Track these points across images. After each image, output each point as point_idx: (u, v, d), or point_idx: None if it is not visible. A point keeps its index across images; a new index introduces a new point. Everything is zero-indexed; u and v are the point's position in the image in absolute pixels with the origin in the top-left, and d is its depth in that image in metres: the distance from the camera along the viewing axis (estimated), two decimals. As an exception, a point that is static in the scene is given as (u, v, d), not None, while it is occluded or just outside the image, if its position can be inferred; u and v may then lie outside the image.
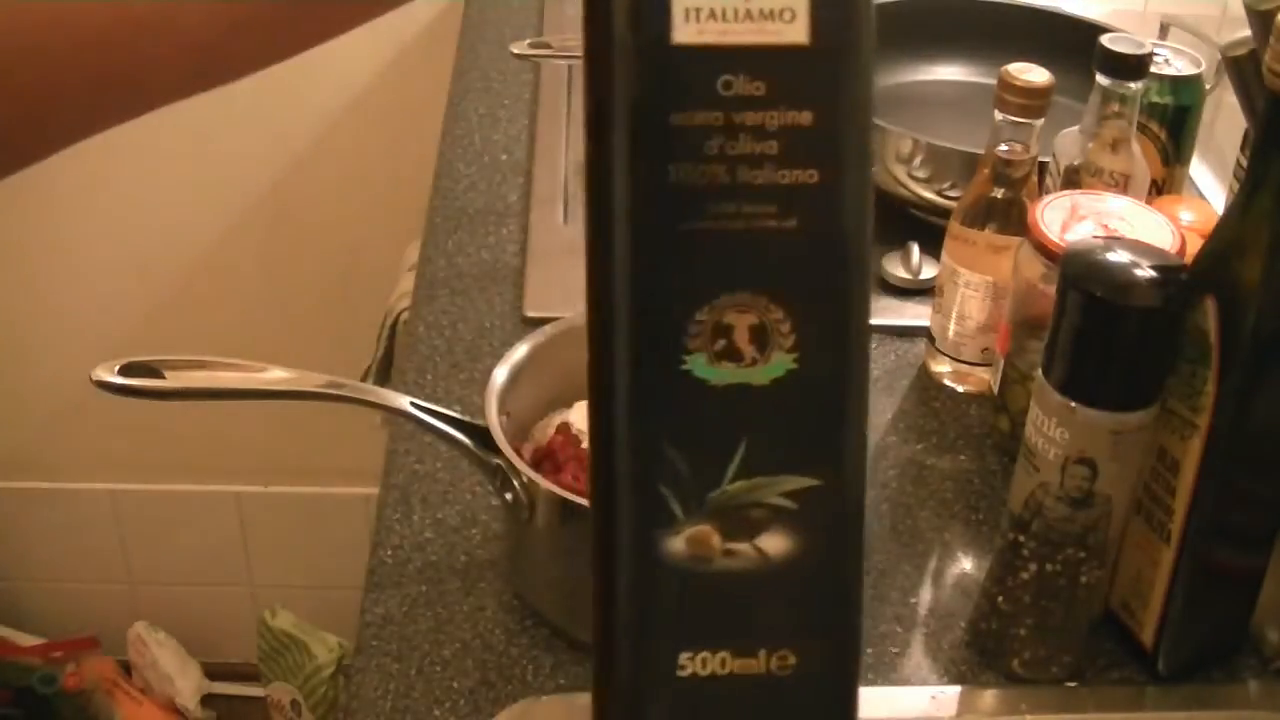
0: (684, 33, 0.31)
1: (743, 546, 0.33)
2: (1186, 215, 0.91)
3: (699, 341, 0.32)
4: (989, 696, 0.74)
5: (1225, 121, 1.11)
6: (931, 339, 0.95)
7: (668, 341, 0.32)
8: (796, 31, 0.31)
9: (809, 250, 0.32)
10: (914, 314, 1.00)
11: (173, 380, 0.70)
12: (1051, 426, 0.68)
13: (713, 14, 0.31)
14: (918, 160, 1.05)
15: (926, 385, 0.95)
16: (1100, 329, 0.66)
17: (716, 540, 0.33)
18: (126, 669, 1.84)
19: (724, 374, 0.32)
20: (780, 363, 0.32)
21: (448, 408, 0.74)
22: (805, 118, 0.31)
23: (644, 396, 0.32)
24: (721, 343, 0.32)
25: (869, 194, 0.33)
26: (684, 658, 0.33)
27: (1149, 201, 0.89)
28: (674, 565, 0.32)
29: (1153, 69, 0.92)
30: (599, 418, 0.33)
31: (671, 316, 0.32)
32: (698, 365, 0.32)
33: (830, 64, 0.31)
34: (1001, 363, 0.88)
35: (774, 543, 0.33)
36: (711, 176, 0.31)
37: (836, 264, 0.32)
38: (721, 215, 0.31)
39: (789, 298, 0.32)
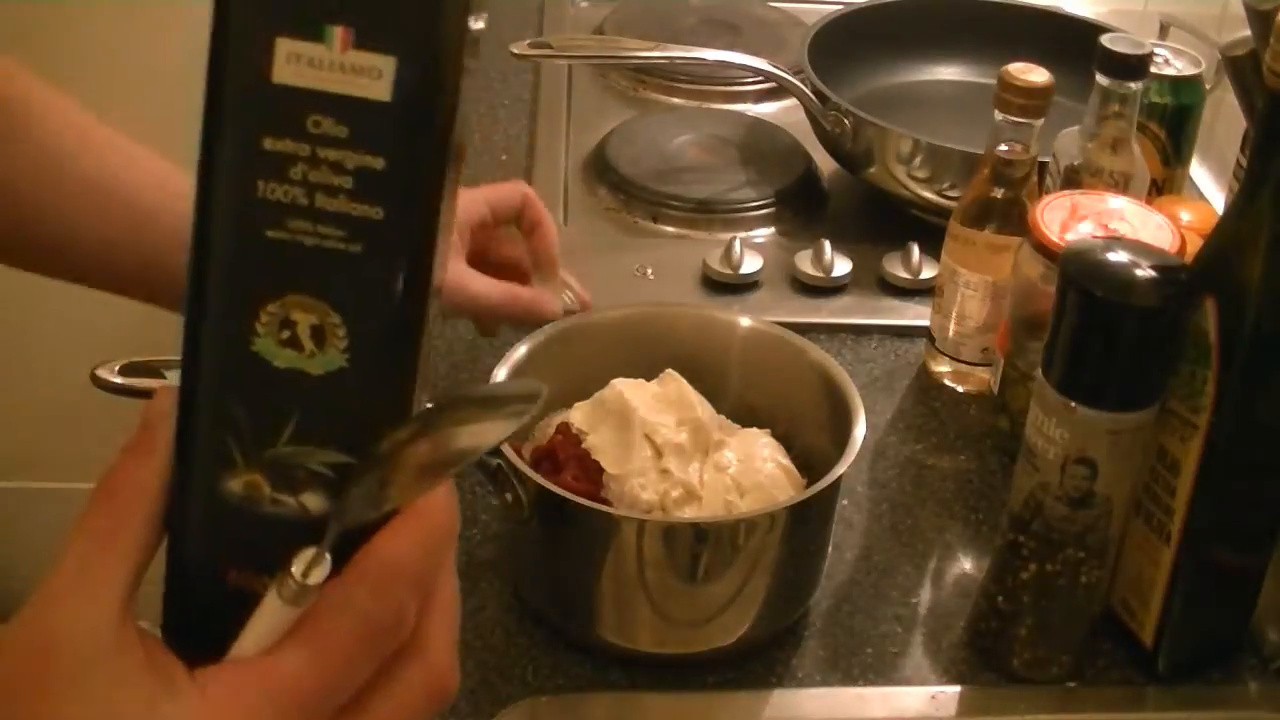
0: (284, 74, 0.37)
1: (287, 499, 0.40)
2: (1186, 215, 0.91)
3: (268, 328, 0.39)
4: (989, 696, 0.74)
5: (1225, 121, 1.11)
6: (931, 339, 0.95)
7: (243, 323, 0.39)
8: (380, 89, 0.37)
9: (369, 274, 0.38)
10: (914, 314, 1.00)
11: (173, 380, 0.70)
12: (1051, 426, 0.68)
13: (311, 62, 0.37)
14: (918, 160, 1.05)
15: (926, 385, 0.95)
16: (1100, 329, 0.66)
17: (266, 489, 0.40)
18: (126, 669, 1.84)
19: (286, 358, 0.39)
20: (334, 359, 0.39)
21: (448, 408, 0.74)
22: (378, 162, 0.37)
23: (219, 362, 0.40)
24: (286, 333, 0.39)
25: (436, 235, 0.38)
26: (232, 574, 0.41)
27: (1149, 201, 0.89)
28: (230, 501, 0.40)
29: (1153, 69, 0.92)
30: (185, 372, 0.40)
31: (248, 303, 0.39)
32: (265, 347, 0.39)
33: (406, 120, 0.37)
34: (1001, 363, 0.88)
35: (313, 500, 0.40)
36: (293, 197, 0.38)
37: (391, 290, 0.38)
38: (298, 230, 0.38)
39: (346, 308, 0.38)
